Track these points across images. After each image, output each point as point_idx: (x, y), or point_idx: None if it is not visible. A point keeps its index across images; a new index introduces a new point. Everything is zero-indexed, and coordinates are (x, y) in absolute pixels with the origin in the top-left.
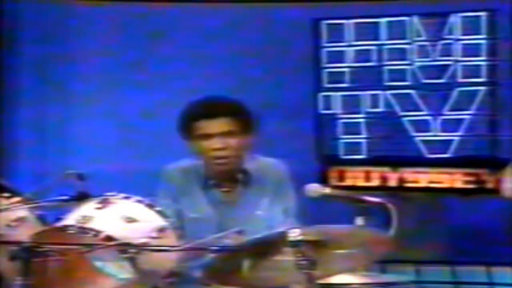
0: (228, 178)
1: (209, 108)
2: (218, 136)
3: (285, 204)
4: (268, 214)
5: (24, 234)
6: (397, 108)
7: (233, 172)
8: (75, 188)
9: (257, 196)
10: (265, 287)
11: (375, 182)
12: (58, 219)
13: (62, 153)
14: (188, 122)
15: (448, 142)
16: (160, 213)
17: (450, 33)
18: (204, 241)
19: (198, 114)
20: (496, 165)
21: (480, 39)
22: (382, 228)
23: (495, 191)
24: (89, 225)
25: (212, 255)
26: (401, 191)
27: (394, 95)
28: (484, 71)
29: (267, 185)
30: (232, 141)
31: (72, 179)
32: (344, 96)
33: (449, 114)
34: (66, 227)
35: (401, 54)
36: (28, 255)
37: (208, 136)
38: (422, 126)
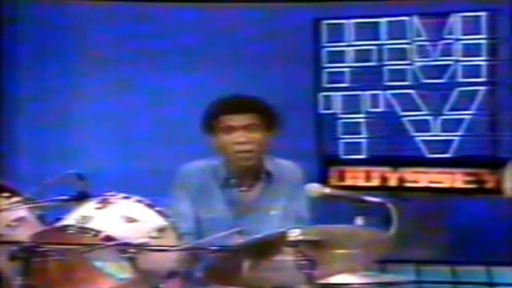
0: (250, 177)
1: (234, 103)
2: (241, 130)
3: (298, 210)
4: (282, 214)
5: (24, 234)
6: (397, 108)
7: (256, 171)
8: (75, 188)
9: (274, 196)
10: (265, 287)
11: (375, 182)
12: (58, 219)
13: (62, 153)
14: (213, 116)
15: (448, 142)
16: (160, 212)
17: (450, 33)
18: (204, 241)
19: (223, 109)
20: (496, 165)
21: (480, 39)
22: (382, 228)
23: (495, 191)
24: (89, 225)
25: (212, 255)
26: (401, 191)
27: (394, 95)
28: (484, 71)
29: (283, 186)
30: (255, 136)
31: (72, 179)
32: (344, 96)
33: (449, 114)
34: (66, 227)
35: (401, 54)
36: (28, 255)
37: (232, 129)
38: (422, 126)
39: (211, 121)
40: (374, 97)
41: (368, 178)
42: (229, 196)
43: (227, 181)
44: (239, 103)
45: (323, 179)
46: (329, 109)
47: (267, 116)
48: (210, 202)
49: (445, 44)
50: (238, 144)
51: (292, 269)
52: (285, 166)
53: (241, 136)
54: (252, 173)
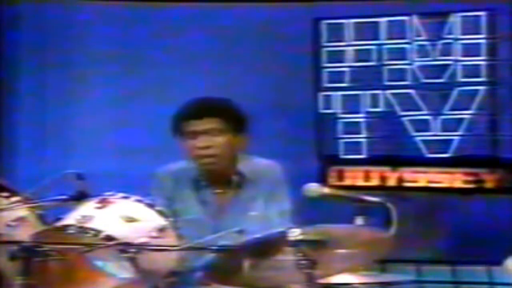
0: (221, 180)
1: (196, 108)
2: (203, 135)
3: (281, 207)
4: (262, 215)
5: (24, 234)
6: (397, 108)
7: (226, 173)
8: (74, 188)
9: (251, 197)
10: (265, 287)
11: (374, 182)
12: (58, 219)
13: (62, 153)
14: (178, 122)
15: (448, 142)
16: (160, 212)
17: (450, 33)
18: (204, 241)
19: (186, 114)
20: (496, 165)
21: (480, 39)
22: (382, 228)
23: (495, 191)
24: (89, 224)
25: (212, 255)
26: (400, 190)
27: (394, 94)
28: (484, 71)
29: (261, 186)
30: (217, 140)
31: (71, 178)
32: (344, 96)
33: (449, 114)
34: (66, 226)
35: (401, 54)
36: (28, 255)
37: (194, 134)
38: (422, 125)
39: (177, 126)
40: (374, 97)
41: (367, 177)
42: (203, 198)
43: (199, 183)
44: (201, 108)
45: (322, 179)
46: (329, 109)
47: (232, 119)
48: (185, 204)
49: (444, 44)
50: (199, 149)
51: (292, 269)
52: (262, 166)
53: (202, 141)
54: (224, 176)
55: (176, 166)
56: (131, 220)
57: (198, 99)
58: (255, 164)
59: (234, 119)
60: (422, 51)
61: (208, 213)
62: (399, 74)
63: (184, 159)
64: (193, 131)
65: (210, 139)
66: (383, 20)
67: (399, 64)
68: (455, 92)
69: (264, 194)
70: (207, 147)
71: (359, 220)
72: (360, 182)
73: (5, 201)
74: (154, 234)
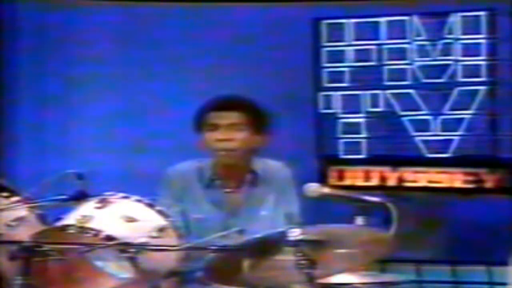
0: (235, 177)
1: (221, 102)
2: (225, 128)
3: (289, 210)
4: (272, 214)
5: (24, 234)
6: (397, 108)
7: (242, 171)
8: (74, 188)
9: (262, 196)
10: (265, 287)
11: (374, 182)
12: (58, 219)
13: (62, 153)
14: (201, 115)
15: (448, 141)
16: (160, 212)
17: (450, 33)
18: (204, 241)
19: (210, 107)
20: (496, 165)
21: (480, 39)
22: (382, 228)
23: (495, 191)
24: (89, 224)
25: (212, 255)
26: (400, 190)
27: (394, 94)
28: (484, 71)
29: (272, 186)
30: (239, 135)
31: (71, 178)
32: (344, 95)
33: (449, 114)
34: (66, 226)
35: (401, 53)
36: (28, 255)
37: (216, 127)
38: (422, 125)
39: (199, 119)
40: (374, 97)
41: (367, 177)
42: (214, 197)
43: (212, 182)
44: (226, 102)
45: (322, 179)
46: (329, 108)
47: (255, 117)
48: (196, 203)
49: (445, 44)
50: (220, 142)
51: (292, 269)
52: (273, 167)
53: (224, 134)
54: (238, 174)
55: (186, 165)
56: (131, 220)
57: (223, 95)
58: (266, 164)
59: (257, 117)
60: (422, 51)
61: (220, 211)
62: (399, 74)
63: (192, 159)
64: (215, 123)
65: (232, 133)
66: (383, 20)
67: (399, 64)
68: (455, 92)
69: (274, 193)
70: (228, 140)
71: (359, 220)
72: (360, 182)
73: (5, 201)
74: (154, 234)
